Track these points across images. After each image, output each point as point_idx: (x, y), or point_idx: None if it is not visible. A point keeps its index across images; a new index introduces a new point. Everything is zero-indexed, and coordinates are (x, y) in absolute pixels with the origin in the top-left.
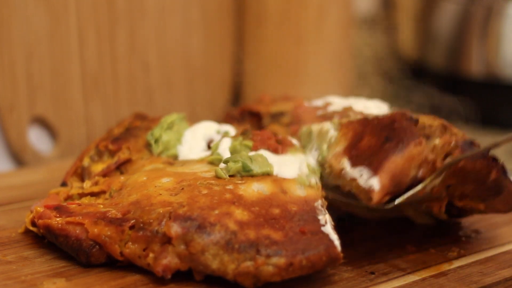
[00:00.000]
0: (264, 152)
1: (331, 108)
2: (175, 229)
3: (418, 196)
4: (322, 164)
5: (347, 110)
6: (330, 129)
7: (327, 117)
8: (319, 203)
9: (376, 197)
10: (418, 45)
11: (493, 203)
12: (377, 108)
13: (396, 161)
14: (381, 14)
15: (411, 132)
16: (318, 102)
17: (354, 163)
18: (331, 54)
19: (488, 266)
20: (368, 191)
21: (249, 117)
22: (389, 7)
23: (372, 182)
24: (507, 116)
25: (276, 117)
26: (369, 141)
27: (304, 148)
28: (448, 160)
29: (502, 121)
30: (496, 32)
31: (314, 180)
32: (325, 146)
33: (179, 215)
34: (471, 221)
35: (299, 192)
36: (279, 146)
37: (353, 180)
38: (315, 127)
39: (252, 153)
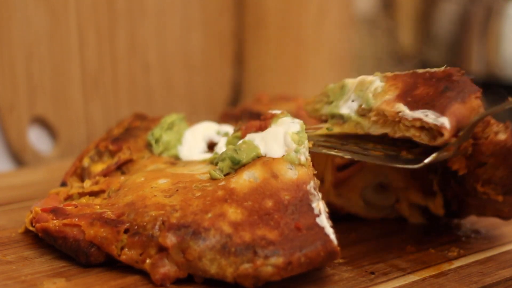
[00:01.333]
0: (249, 136)
1: None
2: (170, 238)
3: (447, 155)
4: (364, 113)
5: None
6: (375, 80)
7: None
8: (312, 186)
9: (447, 134)
10: (418, 45)
11: (509, 201)
12: None
13: (459, 108)
14: (381, 14)
15: (470, 85)
16: None
17: (412, 107)
18: (331, 54)
19: (488, 266)
20: (440, 127)
21: (249, 117)
22: (389, 7)
23: (443, 120)
24: (507, 116)
25: None
26: (426, 90)
27: (333, 102)
28: (476, 117)
29: (502, 121)
30: (496, 32)
31: (304, 156)
32: (370, 95)
33: (173, 224)
34: (471, 221)
35: (290, 173)
36: (262, 123)
37: (417, 120)
38: (350, 80)
39: (239, 143)
